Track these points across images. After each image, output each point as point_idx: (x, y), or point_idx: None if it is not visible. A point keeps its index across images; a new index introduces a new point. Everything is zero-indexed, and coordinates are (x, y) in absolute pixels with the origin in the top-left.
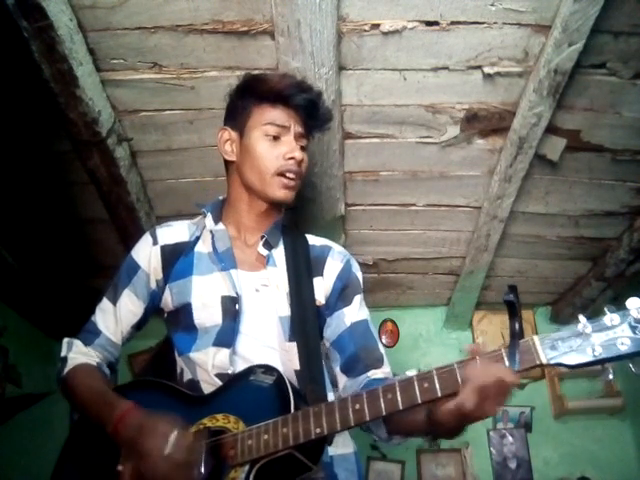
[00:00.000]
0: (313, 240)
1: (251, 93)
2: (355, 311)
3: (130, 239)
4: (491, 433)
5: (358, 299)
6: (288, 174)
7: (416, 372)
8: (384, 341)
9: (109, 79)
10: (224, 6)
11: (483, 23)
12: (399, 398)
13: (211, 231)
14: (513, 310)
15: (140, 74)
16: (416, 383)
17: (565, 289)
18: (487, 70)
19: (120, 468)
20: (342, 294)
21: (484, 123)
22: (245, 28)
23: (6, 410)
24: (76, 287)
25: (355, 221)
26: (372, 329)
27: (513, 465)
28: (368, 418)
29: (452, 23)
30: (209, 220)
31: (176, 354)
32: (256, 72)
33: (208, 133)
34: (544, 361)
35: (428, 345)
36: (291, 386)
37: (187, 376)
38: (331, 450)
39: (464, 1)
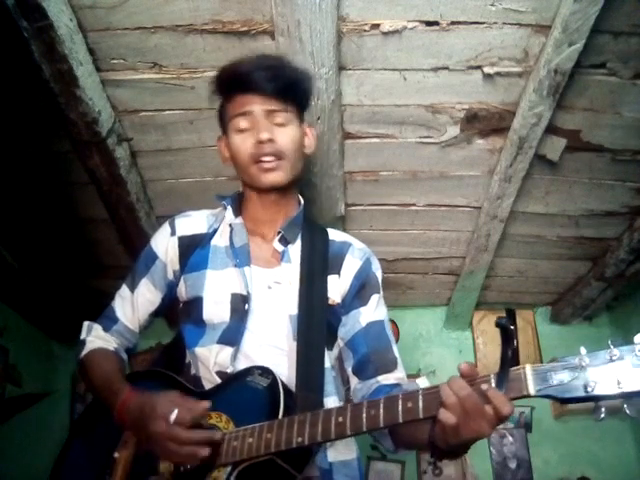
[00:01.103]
0: (334, 235)
1: (218, 94)
2: (371, 311)
3: (130, 239)
4: None
5: (375, 299)
6: (263, 158)
7: (426, 382)
8: None
9: (109, 79)
10: (224, 6)
11: (483, 23)
12: (381, 416)
13: (230, 225)
14: (506, 335)
15: (140, 74)
16: (400, 402)
17: (565, 289)
18: (487, 70)
19: (116, 455)
20: (359, 293)
21: (484, 123)
22: (245, 28)
23: (6, 410)
24: (76, 287)
25: (355, 221)
26: (388, 330)
27: (513, 465)
28: (349, 433)
29: (452, 23)
30: (229, 213)
31: (185, 347)
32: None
33: (208, 133)
34: (532, 392)
35: (428, 345)
36: (285, 391)
37: (192, 370)
38: (331, 456)
39: (464, 1)
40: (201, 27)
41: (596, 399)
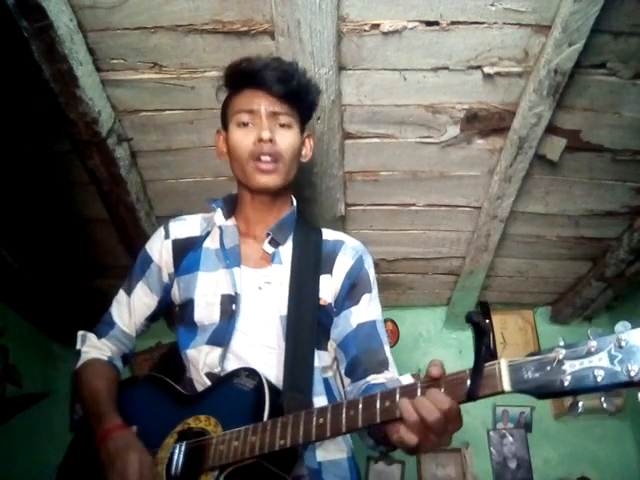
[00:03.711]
0: (327, 235)
1: (225, 87)
2: (362, 311)
3: (130, 239)
4: (491, 433)
5: (367, 298)
6: (261, 157)
7: (410, 379)
8: None
9: (109, 79)
10: (224, 6)
11: (483, 23)
12: (360, 416)
13: (220, 227)
14: (478, 331)
15: (140, 74)
16: (378, 401)
17: (565, 289)
18: (487, 70)
19: None
20: (350, 293)
21: (484, 123)
22: (245, 28)
23: (6, 410)
24: (76, 287)
25: (355, 221)
26: (380, 330)
27: (513, 465)
28: (329, 434)
29: (452, 23)
30: (218, 215)
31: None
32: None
33: (208, 133)
34: (506, 389)
35: (428, 345)
36: (271, 391)
37: (187, 373)
38: (320, 456)
39: (464, 1)
40: (201, 27)
41: (573, 394)
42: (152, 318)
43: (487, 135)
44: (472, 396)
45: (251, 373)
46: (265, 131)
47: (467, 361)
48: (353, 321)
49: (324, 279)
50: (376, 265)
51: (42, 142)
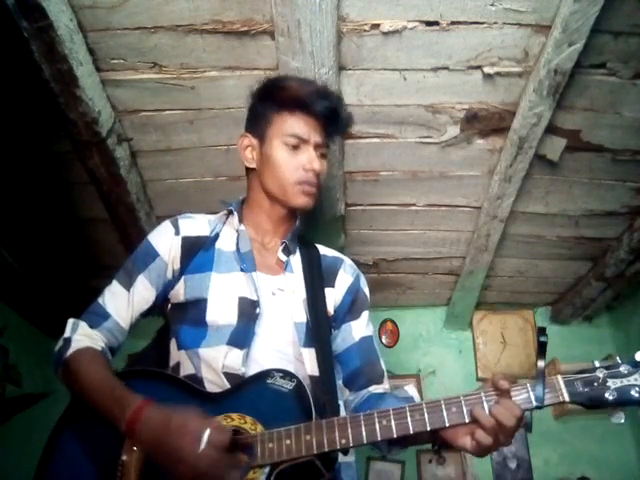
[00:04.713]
0: (324, 250)
1: (272, 99)
2: (363, 326)
3: (130, 239)
4: None
5: (366, 315)
6: (307, 185)
7: (414, 389)
8: (384, 341)
9: (109, 79)
10: (224, 6)
11: (483, 23)
12: (427, 419)
13: (237, 230)
14: (544, 350)
15: (140, 74)
16: (444, 407)
17: (565, 289)
18: (487, 70)
19: (125, 458)
20: (351, 308)
21: (484, 123)
22: (245, 28)
23: (6, 410)
24: (76, 287)
25: (355, 221)
26: (376, 346)
27: (513, 465)
28: (395, 435)
29: (452, 23)
30: (235, 219)
31: (175, 347)
32: (277, 75)
33: (208, 133)
34: (567, 399)
35: (428, 345)
36: (311, 393)
37: (186, 371)
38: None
39: (464, 1)
40: (201, 27)
41: (617, 405)
42: (146, 313)
43: (487, 135)
44: (540, 406)
45: (286, 374)
46: (317, 163)
47: (467, 361)
48: (355, 334)
49: (328, 291)
50: (376, 265)
51: (42, 142)
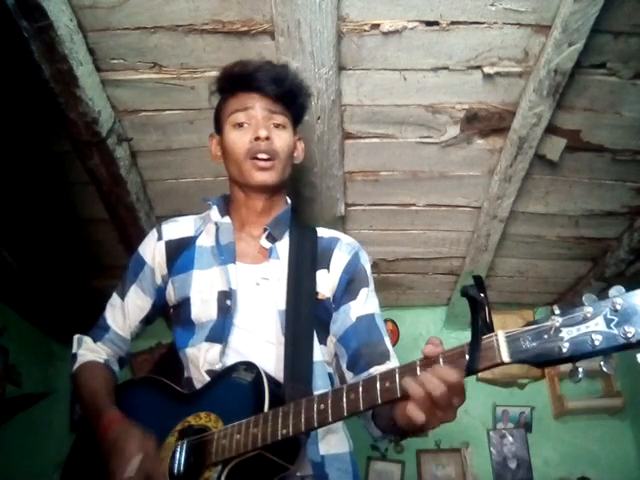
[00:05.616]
0: (322, 232)
1: (219, 91)
2: (361, 305)
3: (130, 239)
4: (491, 433)
5: (364, 292)
6: (259, 155)
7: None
8: None
9: (109, 79)
10: (224, 6)
11: (483, 23)
12: (360, 399)
13: (216, 223)
14: (474, 305)
15: (140, 74)
16: (378, 383)
17: (565, 289)
18: (487, 70)
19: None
20: (348, 288)
21: (484, 123)
22: (245, 28)
23: (6, 410)
24: (76, 287)
25: (355, 221)
26: (379, 323)
27: (513, 465)
28: (331, 419)
29: (452, 23)
30: (215, 212)
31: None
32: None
33: (208, 133)
34: (505, 359)
35: None
36: (270, 384)
37: (185, 373)
38: (322, 449)
39: (464, 1)
40: (201, 27)
41: (572, 360)
42: (146, 320)
43: (487, 135)
44: (472, 369)
45: (249, 366)
46: (262, 129)
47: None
48: (352, 315)
49: (321, 274)
50: (376, 265)
51: (42, 142)
